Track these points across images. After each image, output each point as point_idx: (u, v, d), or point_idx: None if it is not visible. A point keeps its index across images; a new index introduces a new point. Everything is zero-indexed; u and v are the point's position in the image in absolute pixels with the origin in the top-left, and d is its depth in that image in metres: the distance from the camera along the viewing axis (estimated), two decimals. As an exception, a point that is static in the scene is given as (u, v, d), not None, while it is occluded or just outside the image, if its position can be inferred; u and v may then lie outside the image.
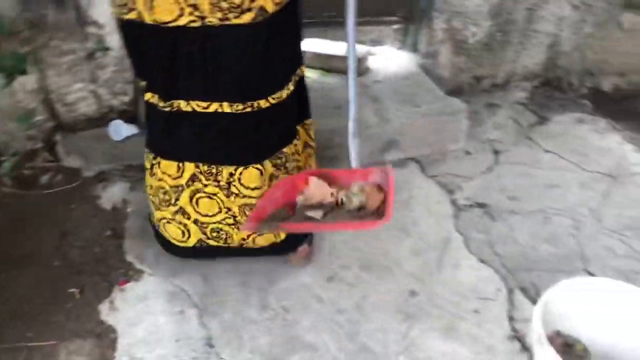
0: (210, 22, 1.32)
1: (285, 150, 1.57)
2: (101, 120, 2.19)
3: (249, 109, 1.43)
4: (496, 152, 2.29)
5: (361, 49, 2.43)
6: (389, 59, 2.56)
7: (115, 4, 1.38)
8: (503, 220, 1.94)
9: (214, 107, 1.43)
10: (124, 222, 1.90)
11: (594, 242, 1.84)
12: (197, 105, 1.43)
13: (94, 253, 1.79)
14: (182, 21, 1.31)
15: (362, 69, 2.41)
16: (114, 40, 2.02)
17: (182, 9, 1.30)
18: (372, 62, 2.48)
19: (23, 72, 1.92)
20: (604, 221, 1.93)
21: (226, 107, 1.43)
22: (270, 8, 1.34)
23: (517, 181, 2.13)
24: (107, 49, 2.04)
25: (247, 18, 1.33)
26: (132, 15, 1.34)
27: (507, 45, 2.60)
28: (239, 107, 1.43)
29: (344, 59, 2.36)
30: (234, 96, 1.42)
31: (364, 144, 2.06)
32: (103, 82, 2.13)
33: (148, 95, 1.48)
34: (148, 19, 1.32)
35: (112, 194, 2.02)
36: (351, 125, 1.43)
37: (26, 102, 2.07)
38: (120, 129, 2.14)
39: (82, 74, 2.09)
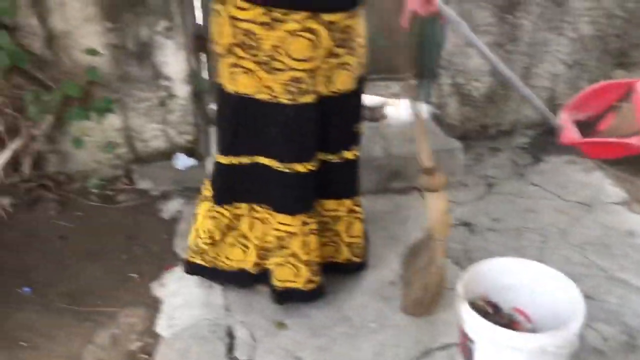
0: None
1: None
2: (169, 153, 2.78)
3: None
4: (489, 185, 2.67)
5: (378, 99, 2.92)
6: (405, 108, 3.04)
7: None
8: (481, 235, 2.31)
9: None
10: (177, 226, 2.44)
11: (554, 252, 2.18)
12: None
13: (152, 249, 2.32)
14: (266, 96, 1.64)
15: (379, 116, 2.90)
16: (181, 90, 2.64)
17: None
18: (388, 111, 2.96)
19: (111, 111, 2.56)
20: (569, 238, 2.26)
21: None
22: (325, 92, 1.69)
23: (502, 207, 2.49)
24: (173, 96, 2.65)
25: (308, 99, 1.64)
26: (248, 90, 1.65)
27: (509, 99, 3.01)
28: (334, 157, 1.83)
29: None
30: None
31: (371, 173, 2.53)
32: (171, 124, 2.74)
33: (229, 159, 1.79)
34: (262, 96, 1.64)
35: (171, 207, 2.58)
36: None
37: (113, 137, 2.71)
38: (183, 161, 2.72)
39: (155, 117, 2.71)
